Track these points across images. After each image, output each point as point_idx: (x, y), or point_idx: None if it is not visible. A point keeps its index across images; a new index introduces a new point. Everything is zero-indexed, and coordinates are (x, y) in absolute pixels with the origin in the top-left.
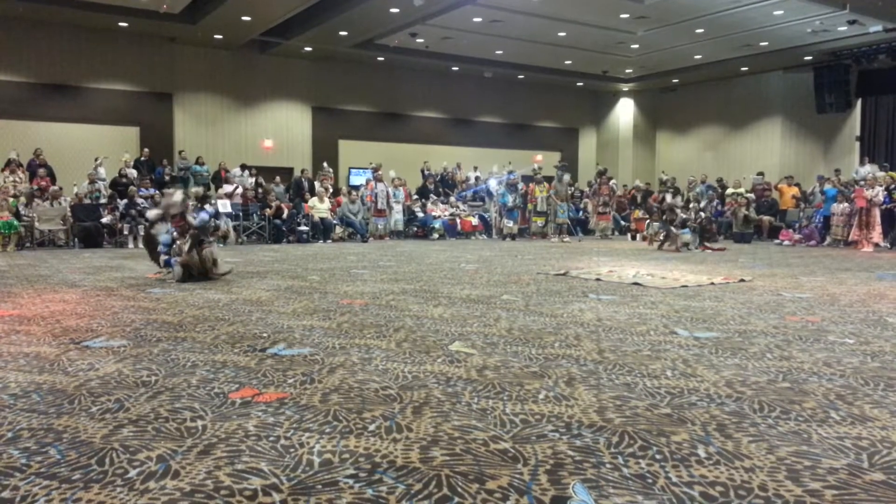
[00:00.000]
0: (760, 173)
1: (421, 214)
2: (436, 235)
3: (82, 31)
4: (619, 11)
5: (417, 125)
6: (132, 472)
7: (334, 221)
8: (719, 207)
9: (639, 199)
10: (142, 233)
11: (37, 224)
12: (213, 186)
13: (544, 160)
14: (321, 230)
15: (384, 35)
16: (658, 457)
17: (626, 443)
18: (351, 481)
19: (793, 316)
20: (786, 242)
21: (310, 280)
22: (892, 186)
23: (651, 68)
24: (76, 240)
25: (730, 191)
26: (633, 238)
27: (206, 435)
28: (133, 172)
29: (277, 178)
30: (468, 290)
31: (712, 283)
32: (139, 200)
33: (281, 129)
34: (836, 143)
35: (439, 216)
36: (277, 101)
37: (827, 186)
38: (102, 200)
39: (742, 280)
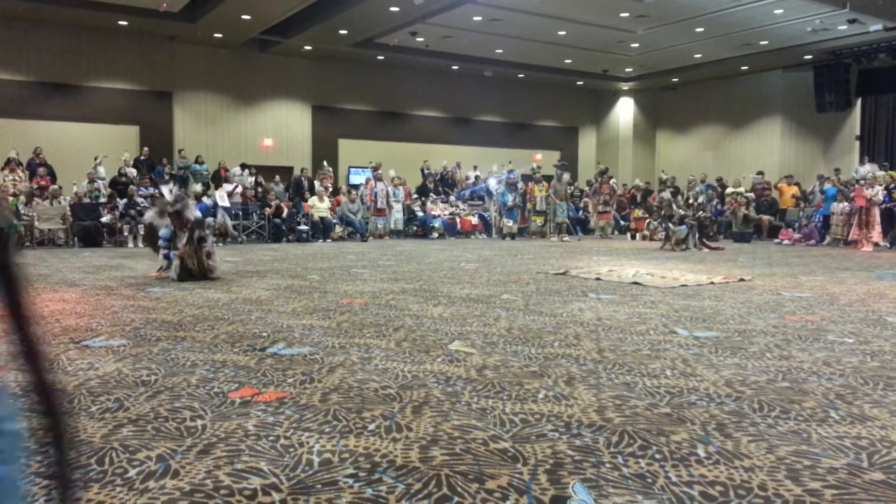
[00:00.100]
0: (760, 172)
1: (421, 214)
2: (435, 235)
3: (82, 30)
4: (619, 10)
5: (417, 124)
6: (132, 472)
7: (334, 221)
8: (719, 207)
9: (638, 198)
10: (142, 232)
11: (36, 223)
12: (212, 186)
13: (544, 159)
14: (321, 229)
15: (384, 34)
16: (658, 456)
17: (626, 442)
18: (350, 481)
19: (792, 315)
20: (785, 242)
21: (309, 279)
22: (892, 186)
23: (651, 67)
24: (76, 239)
25: (730, 190)
26: (633, 237)
27: (206, 434)
28: (133, 171)
29: (277, 178)
30: (468, 290)
31: (712, 283)
32: (139, 199)
33: (281, 128)
34: (835, 143)
35: (439, 215)
36: (277, 100)
37: (827, 186)
38: (102, 199)
39: (742, 279)
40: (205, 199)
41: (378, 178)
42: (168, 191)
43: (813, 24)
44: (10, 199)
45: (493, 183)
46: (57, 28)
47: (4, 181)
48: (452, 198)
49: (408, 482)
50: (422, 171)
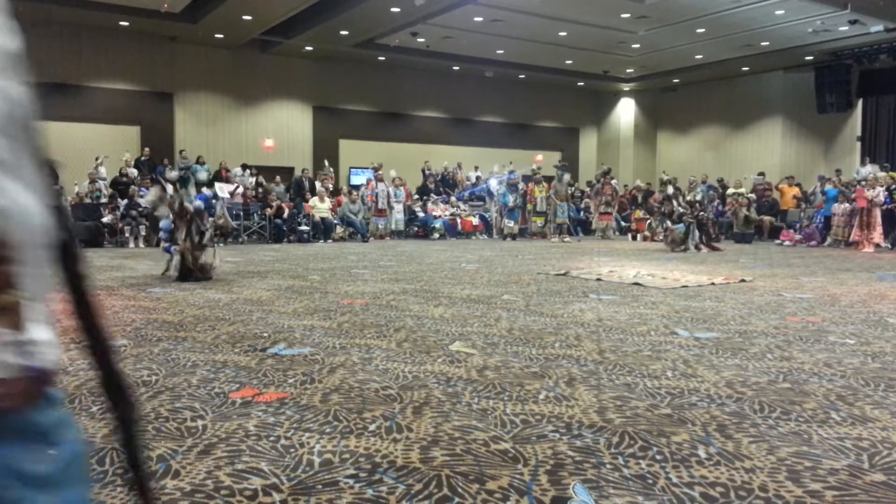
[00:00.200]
0: (761, 173)
1: (421, 214)
2: (436, 235)
3: (83, 30)
4: (619, 11)
5: (418, 125)
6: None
7: (335, 221)
8: (720, 208)
9: (639, 198)
10: (143, 233)
11: None
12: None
13: (545, 160)
14: (322, 230)
15: (385, 34)
16: (658, 457)
17: (627, 443)
18: (351, 481)
19: (793, 316)
20: (786, 243)
21: (310, 280)
22: (893, 187)
23: (652, 68)
24: (77, 239)
25: (731, 191)
26: (634, 238)
27: (207, 435)
28: (134, 172)
29: (278, 178)
30: (469, 290)
31: (713, 284)
32: (140, 200)
33: (281, 129)
34: (836, 144)
35: (440, 216)
36: (278, 101)
37: (828, 187)
38: (103, 200)
39: (743, 280)
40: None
41: (379, 179)
42: (170, 182)
43: (814, 25)
44: None
45: (493, 183)
46: (57, 28)
47: None
48: (453, 198)
49: (408, 483)
50: (423, 171)
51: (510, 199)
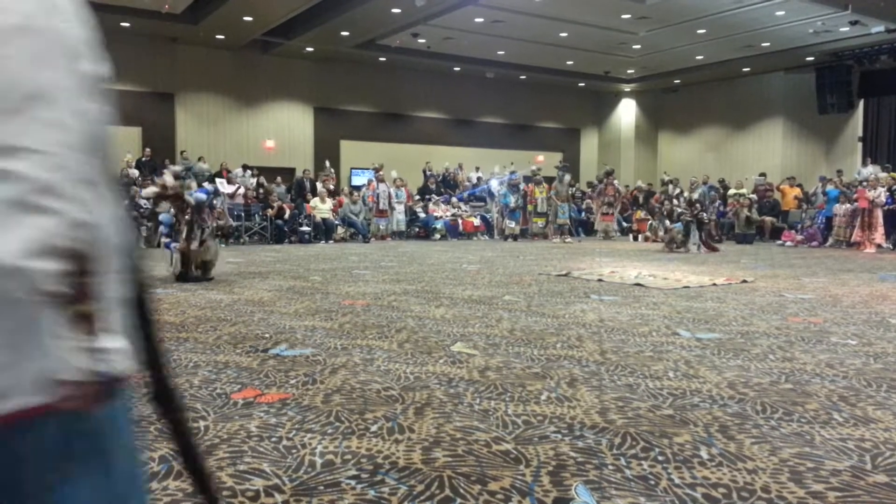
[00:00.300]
0: (762, 174)
1: (423, 215)
2: (437, 236)
3: None
4: (620, 12)
5: (419, 126)
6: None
7: (336, 222)
8: (722, 208)
9: (640, 199)
10: (144, 234)
11: None
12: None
13: (546, 161)
14: (323, 231)
15: (386, 35)
16: (660, 458)
17: (629, 444)
18: (353, 482)
19: (795, 317)
20: (788, 243)
21: (312, 281)
22: (895, 187)
23: (653, 69)
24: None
25: (732, 192)
26: (635, 239)
27: (209, 435)
28: (135, 172)
29: (279, 179)
30: (470, 291)
31: (714, 284)
32: (141, 201)
33: (282, 130)
34: (838, 144)
35: (441, 217)
36: (279, 102)
37: (829, 187)
38: None
39: (744, 281)
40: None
41: (380, 180)
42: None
43: (815, 26)
44: None
45: (494, 184)
46: None
47: None
48: (454, 199)
49: (410, 483)
50: (424, 172)
51: (511, 200)
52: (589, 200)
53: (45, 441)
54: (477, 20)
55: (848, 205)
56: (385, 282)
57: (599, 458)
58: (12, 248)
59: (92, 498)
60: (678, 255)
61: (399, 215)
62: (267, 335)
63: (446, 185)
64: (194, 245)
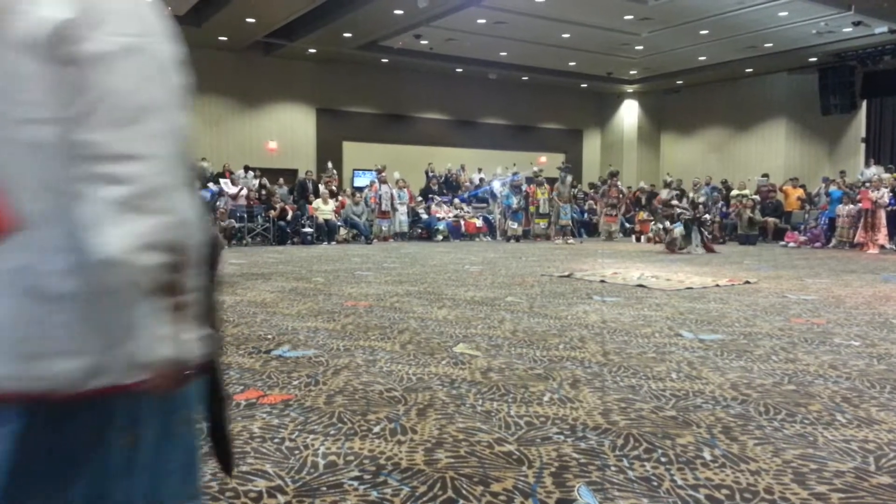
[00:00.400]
0: (765, 175)
1: (425, 216)
2: (440, 237)
3: None
4: (623, 13)
5: (421, 127)
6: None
7: (338, 223)
8: (724, 209)
9: (643, 200)
10: None
11: None
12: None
13: (548, 162)
14: (325, 232)
15: (388, 37)
16: (663, 459)
17: (631, 445)
18: (356, 483)
19: (798, 318)
20: (791, 244)
21: (314, 282)
22: None
23: (655, 70)
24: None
25: (735, 192)
26: (638, 240)
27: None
28: None
29: (281, 180)
30: (472, 292)
31: (717, 285)
32: None
33: (285, 131)
34: (841, 145)
35: (443, 218)
36: (282, 103)
37: (832, 188)
38: None
39: (747, 282)
40: (210, 185)
41: (382, 181)
42: None
43: (818, 27)
44: None
45: (497, 185)
46: None
47: None
48: (457, 200)
49: (413, 485)
50: (426, 173)
51: (513, 201)
52: (591, 201)
53: (133, 412)
54: (479, 21)
55: (851, 206)
56: (387, 283)
57: (602, 459)
58: (122, 244)
59: (170, 460)
60: (680, 256)
61: (401, 216)
62: (269, 336)
63: (448, 186)
64: None
